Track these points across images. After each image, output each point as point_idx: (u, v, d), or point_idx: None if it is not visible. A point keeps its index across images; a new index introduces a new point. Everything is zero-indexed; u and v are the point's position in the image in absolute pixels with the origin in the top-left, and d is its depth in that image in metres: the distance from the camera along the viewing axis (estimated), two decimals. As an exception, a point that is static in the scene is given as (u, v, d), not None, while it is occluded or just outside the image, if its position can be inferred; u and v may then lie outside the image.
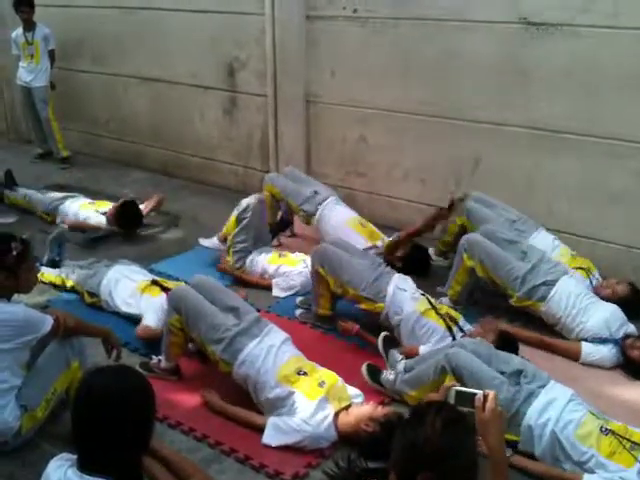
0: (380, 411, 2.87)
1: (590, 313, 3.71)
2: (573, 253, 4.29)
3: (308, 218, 4.88)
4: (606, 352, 3.59)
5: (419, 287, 3.80)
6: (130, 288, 3.93)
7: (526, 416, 2.86)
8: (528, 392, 2.90)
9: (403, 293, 3.66)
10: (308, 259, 4.19)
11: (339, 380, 3.07)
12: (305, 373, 3.04)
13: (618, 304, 3.81)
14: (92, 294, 4.08)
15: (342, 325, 3.74)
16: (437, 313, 3.59)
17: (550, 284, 3.80)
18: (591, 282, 4.09)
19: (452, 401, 2.12)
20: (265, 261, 4.49)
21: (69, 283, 4.25)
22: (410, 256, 4.49)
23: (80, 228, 5.13)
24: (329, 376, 3.07)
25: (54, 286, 4.31)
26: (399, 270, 4.13)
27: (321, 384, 3.00)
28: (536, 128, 4.57)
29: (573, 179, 4.53)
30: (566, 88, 4.39)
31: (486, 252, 3.94)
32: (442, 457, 1.66)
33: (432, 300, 3.69)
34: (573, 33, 4.28)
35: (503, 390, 2.87)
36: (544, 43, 4.39)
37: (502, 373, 3.00)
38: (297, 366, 3.07)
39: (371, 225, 4.82)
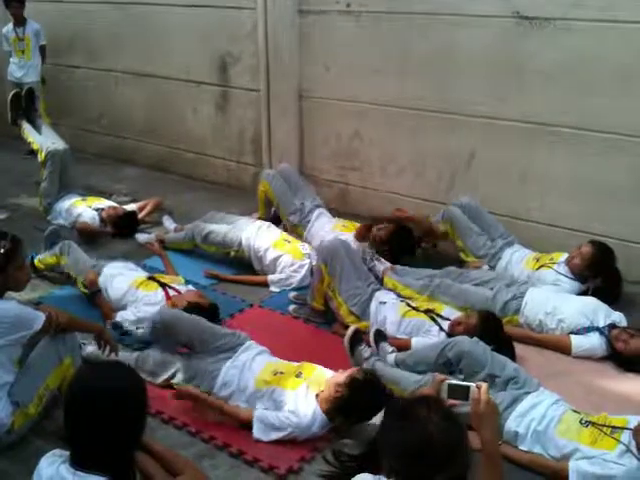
0: (343, 374, 2.92)
1: (564, 309, 3.74)
2: (537, 256, 4.32)
3: (293, 228, 4.90)
4: (595, 341, 3.59)
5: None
6: (126, 283, 3.92)
7: (508, 420, 2.87)
8: (513, 397, 2.92)
9: (383, 306, 3.75)
10: (313, 254, 4.24)
11: (317, 369, 3.11)
12: (282, 372, 3.09)
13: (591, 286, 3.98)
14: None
15: (336, 326, 3.82)
16: (417, 311, 3.68)
17: (520, 297, 3.86)
18: (557, 270, 4.12)
19: (445, 395, 2.12)
20: (269, 244, 4.44)
21: (63, 261, 4.21)
22: (394, 235, 4.44)
23: (88, 232, 5.04)
24: (306, 367, 3.12)
25: (51, 269, 4.33)
26: (387, 252, 4.23)
27: (298, 375, 3.06)
28: (530, 122, 4.56)
29: (567, 173, 4.53)
30: (560, 82, 4.39)
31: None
32: (452, 454, 1.66)
33: (410, 302, 3.77)
34: (566, 27, 4.27)
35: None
36: (538, 37, 4.39)
37: (495, 377, 3.01)
38: (272, 369, 3.12)
39: (354, 224, 4.79)
